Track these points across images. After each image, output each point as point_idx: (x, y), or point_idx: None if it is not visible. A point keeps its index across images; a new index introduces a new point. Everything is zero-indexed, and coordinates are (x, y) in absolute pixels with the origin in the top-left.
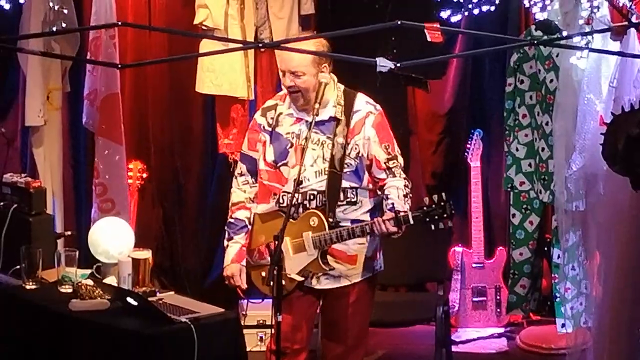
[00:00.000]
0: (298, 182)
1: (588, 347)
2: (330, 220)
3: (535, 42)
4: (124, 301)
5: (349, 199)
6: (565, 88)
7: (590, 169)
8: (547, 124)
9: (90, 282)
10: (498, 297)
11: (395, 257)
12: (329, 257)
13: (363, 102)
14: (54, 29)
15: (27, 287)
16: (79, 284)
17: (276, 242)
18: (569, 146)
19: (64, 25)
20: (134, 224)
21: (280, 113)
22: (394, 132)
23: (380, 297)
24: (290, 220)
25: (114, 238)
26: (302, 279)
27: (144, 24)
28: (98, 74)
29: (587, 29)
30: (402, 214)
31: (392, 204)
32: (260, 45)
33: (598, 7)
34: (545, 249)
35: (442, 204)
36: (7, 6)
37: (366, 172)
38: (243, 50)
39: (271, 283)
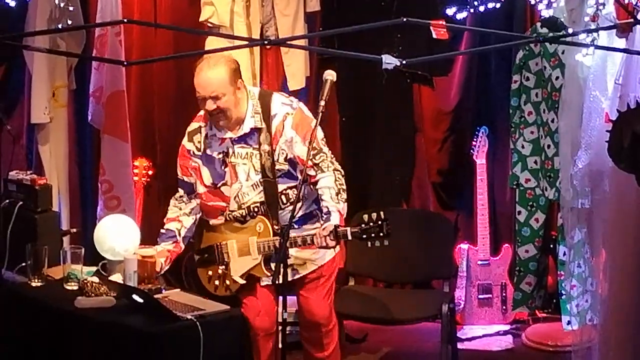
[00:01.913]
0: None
1: (594, 344)
2: (276, 227)
3: (541, 39)
4: (130, 298)
5: (292, 200)
6: (571, 85)
7: (596, 166)
8: (552, 121)
9: (96, 279)
10: (504, 295)
11: (401, 254)
12: (291, 249)
13: (279, 104)
14: (60, 26)
15: (33, 284)
16: (85, 281)
17: (281, 240)
18: (575, 143)
19: (69, 22)
20: (139, 221)
21: (206, 134)
22: (396, 131)
23: (386, 295)
24: (239, 224)
25: (119, 235)
26: (245, 282)
27: (149, 22)
28: (104, 71)
29: (593, 26)
30: (340, 229)
31: (327, 207)
32: (266, 42)
33: (604, 4)
34: (551, 246)
35: (380, 222)
36: (12, 3)
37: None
38: (249, 47)
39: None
